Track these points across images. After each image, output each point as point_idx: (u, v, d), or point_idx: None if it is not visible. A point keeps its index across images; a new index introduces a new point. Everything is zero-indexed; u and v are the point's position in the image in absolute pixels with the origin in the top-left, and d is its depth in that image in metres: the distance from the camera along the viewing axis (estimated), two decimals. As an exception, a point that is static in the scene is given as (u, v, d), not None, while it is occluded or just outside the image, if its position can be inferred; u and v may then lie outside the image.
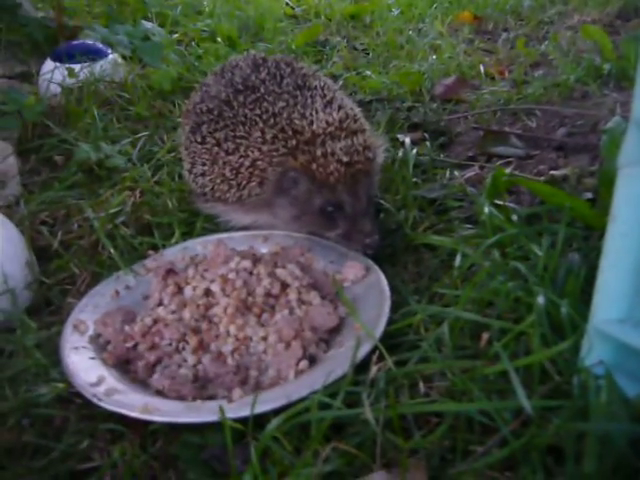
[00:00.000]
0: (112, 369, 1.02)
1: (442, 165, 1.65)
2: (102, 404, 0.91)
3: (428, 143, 1.74)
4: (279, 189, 1.24)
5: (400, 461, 0.78)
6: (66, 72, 2.06)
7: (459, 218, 1.36)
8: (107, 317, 1.11)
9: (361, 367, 0.91)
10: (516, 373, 0.78)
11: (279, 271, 1.15)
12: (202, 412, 0.89)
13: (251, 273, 1.15)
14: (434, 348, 0.92)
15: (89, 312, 1.13)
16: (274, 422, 0.81)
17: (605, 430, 0.71)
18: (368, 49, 2.74)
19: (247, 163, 1.26)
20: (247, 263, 1.16)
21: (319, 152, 1.19)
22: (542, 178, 1.48)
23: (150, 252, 1.30)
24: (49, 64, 2.12)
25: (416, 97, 2.12)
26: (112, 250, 1.28)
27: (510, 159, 1.64)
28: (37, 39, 2.40)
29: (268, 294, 1.11)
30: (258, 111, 1.27)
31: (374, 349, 0.94)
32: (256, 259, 1.19)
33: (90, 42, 2.26)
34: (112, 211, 1.44)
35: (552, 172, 1.50)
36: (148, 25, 2.63)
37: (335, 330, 1.07)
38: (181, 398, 0.95)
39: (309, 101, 1.27)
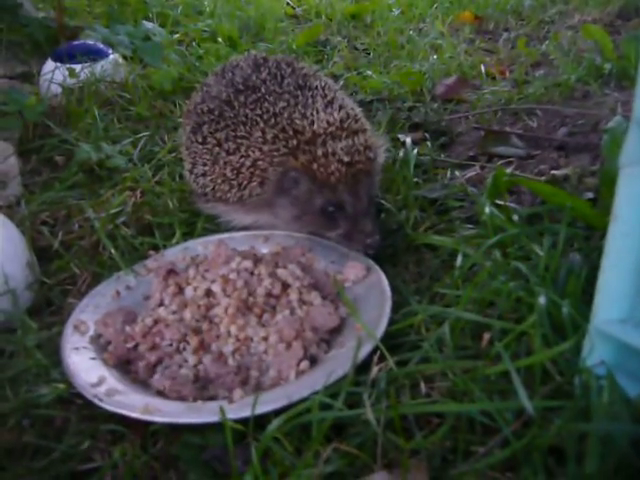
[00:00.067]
0: (113, 369, 1.02)
1: (443, 165, 1.65)
2: (103, 405, 0.91)
3: (429, 143, 1.74)
4: (280, 189, 1.24)
5: (401, 462, 0.78)
6: (67, 72, 2.06)
7: (460, 218, 1.35)
8: (108, 317, 1.10)
9: (362, 367, 0.91)
10: (517, 373, 0.78)
11: (280, 271, 1.15)
12: (203, 413, 0.89)
13: (252, 273, 1.15)
14: (435, 348, 0.92)
15: (90, 312, 1.13)
16: (275, 423, 0.81)
17: (607, 430, 0.71)
18: (369, 49, 2.73)
19: (248, 163, 1.26)
20: (248, 263, 1.16)
21: (320, 152, 1.19)
22: (543, 178, 1.48)
23: (151, 252, 1.30)
24: (50, 64, 2.12)
25: (417, 97, 2.12)
26: (113, 250, 1.28)
27: (511, 159, 1.64)
28: (38, 39, 2.40)
29: (269, 294, 1.11)
30: (259, 111, 1.27)
31: (375, 349, 0.94)
32: (257, 259, 1.19)
33: (91, 42, 2.26)
34: (113, 211, 1.44)
35: (553, 172, 1.50)
36: (149, 25, 2.63)
37: (336, 330, 1.07)
38: (182, 399, 0.95)
39: (310, 101, 1.27)
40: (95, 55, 2.17)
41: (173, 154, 1.73)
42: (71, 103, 1.98)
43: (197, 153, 1.36)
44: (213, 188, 1.33)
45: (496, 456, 0.74)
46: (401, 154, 1.59)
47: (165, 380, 0.97)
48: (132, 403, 0.91)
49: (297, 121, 1.22)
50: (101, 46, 2.24)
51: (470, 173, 1.58)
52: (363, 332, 0.97)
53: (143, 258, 1.28)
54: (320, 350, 1.03)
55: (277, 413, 0.84)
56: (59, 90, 2.04)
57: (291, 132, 1.22)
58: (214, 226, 1.40)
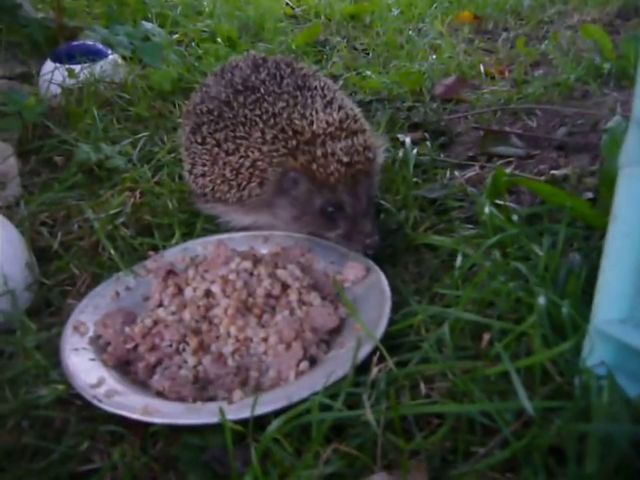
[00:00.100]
0: (112, 370, 1.02)
1: (442, 165, 1.65)
2: (102, 406, 0.91)
3: (428, 143, 1.74)
4: (279, 189, 1.24)
5: (401, 462, 0.78)
6: (66, 73, 2.06)
7: (460, 218, 1.35)
8: (107, 318, 1.10)
9: (362, 368, 0.91)
10: (517, 374, 0.78)
11: (279, 272, 1.15)
12: (202, 414, 0.89)
13: (251, 274, 1.15)
14: (435, 349, 0.92)
15: (89, 313, 1.13)
16: (275, 423, 0.81)
17: (607, 431, 0.71)
18: (368, 49, 2.73)
19: (247, 164, 1.25)
20: (247, 264, 1.16)
21: (319, 152, 1.19)
22: (543, 178, 1.48)
23: (150, 253, 1.29)
24: (49, 65, 2.12)
25: (416, 97, 2.12)
26: (112, 251, 1.28)
27: (510, 159, 1.64)
28: (37, 40, 2.40)
29: (268, 295, 1.11)
30: (258, 111, 1.26)
31: (375, 350, 0.94)
32: (256, 260, 1.19)
33: (90, 43, 2.26)
34: (112, 212, 1.44)
35: (553, 172, 1.50)
36: (148, 26, 2.63)
37: (336, 331, 1.07)
38: (181, 399, 0.95)
39: (309, 101, 1.27)
40: (94, 55, 2.17)
41: (172, 155, 1.72)
42: (70, 104, 1.98)
43: (196, 154, 1.36)
44: (212, 189, 1.32)
45: (496, 457, 0.74)
46: (400, 154, 1.59)
47: (165, 381, 0.97)
48: (131, 404, 0.91)
49: (296, 121, 1.22)
50: (100, 46, 2.24)
51: (469, 173, 1.58)
52: (363, 332, 0.97)
53: (142, 259, 1.28)
54: (320, 351, 1.03)
55: (277, 414, 0.84)
56: (58, 91, 2.04)
57: (290, 132, 1.22)
58: (213, 227, 1.40)
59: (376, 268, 1.17)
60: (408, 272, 1.23)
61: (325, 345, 1.05)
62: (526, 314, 0.92)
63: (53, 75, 2.05)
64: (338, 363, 0.93)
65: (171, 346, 1.05)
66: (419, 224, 1.35)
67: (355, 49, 2.79)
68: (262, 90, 1.30)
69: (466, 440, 0.79)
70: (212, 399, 0.96)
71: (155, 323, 1.09)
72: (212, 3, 3.20)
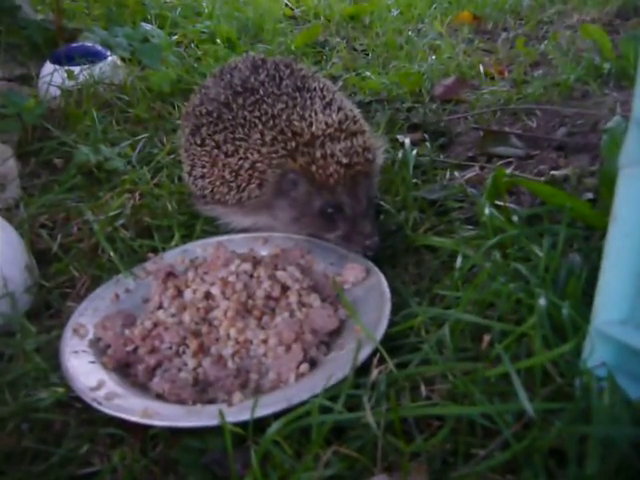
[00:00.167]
0: (112, 373, 1.02)
1: (442, 166, 1.65)
2: (102, 408, 0.91)
3: (428, 144, 1.73)
4: (279, 191, 1.24)
5: (401, 465, 0.78)
6: (65, 74, 2.05)
7: (459, 219, 1.35)
8: (107, 321, 1.10)
9: (362, 370, 0.90)
10: (518, 375, 0.78)
11: (279, 273, 1.14)
12: (202, 416, 0.89)
13: (251, 276, 1.15)
14: (435, 350, 0.92)
15: (89, 316, 1.13)
16: (274, 426, 0.81)
17: (607, 432, 0.70)
18: (367, 50, 2.73)
19: (246, 165, 1.25)
20: (247, 266, 1.15)
21: (318, 154, 1.19)
22: (542, 178, 1.47)
23: (150, 255, 1.29)
24: (48, 66, 2.12)
25: (416, 98, 2.12)
26: (112, 253, 1.28)
27: (510, 159, 1.64)
28: (36, 42, 2.40)
29: (268, 297, 1.11)
30: (257, 113, 1.26)
31: (375, 352, 0.93)
32: (256, 261, 1.18)
33: (89, 44, 2.26)
34: (112, 214, 1.44)
35: (552, 172, 1.50)
36: (147, 27, 2.63)
37: (336, 332, 1.07)
38: (181, 402, 0.95)
39: (308, 103, 1.27)
40: (94, 57, 2.16)
41: (172, 156, 1.72)
42: (70, 105, 1.98)
43: (196, 155, 1.35)
44: (212, 190, 1.32)
45: (497, 458, 0.74)
46: (400, 155, 1.59)
47: (164, 383, 0.97)
48: (131, 407, 0.91)
49: (295, 123, 1.22)
50: (99, 48, 2.24)
51: (469, 174, 1.58)
52: (363, 334, 0.97)
53: (142, 261, 1.28)
54: (320, 352, 1.02)
55: (277, 416, 0.84)
56: (58, 92, 2.03)
57: (290, 134, 1.22)
58: (213, 228, 1.39)
59: (376, 269, 1.17)
60: (408, 273, 1.23)
61: (325, 347, 1.04)
62: (526, 315, 0.92)
63: (52, 77, 2.05)
64: (338, 365, 0.93)
65: (171, 348, 1.05)
66: (419, 225, 1.35)
67: (354, 50, 2.79)
68: (261, 91, 1.30)
69: (466, 442, 0.79)
70: (212, 401, 0.96)
71: (155, 325, 1.09)
72: (211, 4, 3.20)
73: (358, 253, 1.22)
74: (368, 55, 2.67)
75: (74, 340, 1.07)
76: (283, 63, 1.40)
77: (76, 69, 2.09)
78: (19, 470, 0.87)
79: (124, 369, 1.05)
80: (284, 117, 1.24)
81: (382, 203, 1.42)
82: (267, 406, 0.86)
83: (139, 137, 1.84)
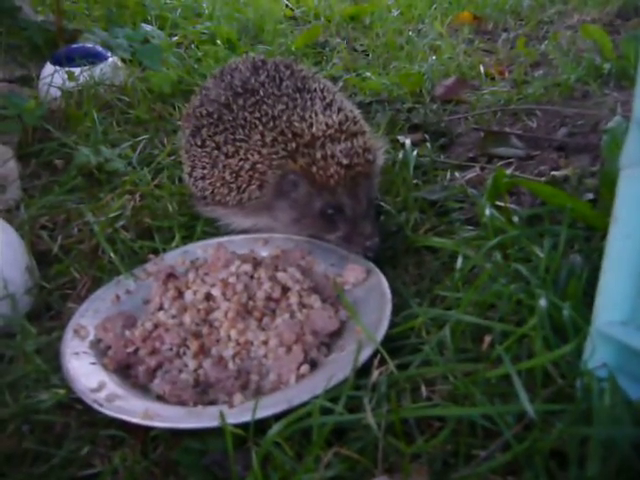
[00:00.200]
0: (113, 374, 1.02)
1: (443, 166, 1.64)
2: (103, 410, 0.91)
3: (428, 144, 1.73)
4: (279, 192, 1.24)
5: (402, 466, 0.78)
6: (66, 76, 2.06)
7: (460, 220, 1.35)
8: (108, 322, 1.10)
9: (362, 371, 0.90)
10: (518, 376, 0.78)
11: (280, 274, 1.14)
12: (203, 418, 0.89)
13: (252, 277, 1.15)
14: (436, 351, 0.92)
15: (90, 317, 1.13)
16: (275, 427, 0.81)
17: (608, 434, 0.70)
18: (368, 50, 2.73)
19: (247, 166, 1.25)
20: (247, 267, 1.15)
21: (319, 155, 1.19)
22: (543, 179, 1.47)
23: (150, 256, 1.29)
24: (49, 68, 2.12)
25: (416, 98, 2.12)
26: (112, 254, 1.28)
27: (511, 160, 1.64)
28: (37, 43, 2.40)
29: (269, 298, 1.11)
30: (257, 114, 1.26)
31: (375, 353, 0.93)
32: (256, 263, 1.18)
33: (90, 45, 2.26)
34: (112, 215, 1.44)
35: (553, 173, 1.49)
36: (148, 28, 2.63)
37: (336, 334, 1.06)
38: (182, 403, 0.95)
39: (309, 104, 1.27)
40: (94, 58, 2.16)
41: (172, 157, 1.72)
42: (70, 106, 1.98)
43: (196, 156, 1.35)
44: (212, 191, 1.32)
45: (497, 460, 0.74)
46: (400, 156, 1.59)
47: (165, 385, 0.97)
48: (132, 408, 0.91)
49: (296, 124, 1.22)
50: (100, 49, 2.24)
51: (470, 174, 1.58)
52: (363, 335, 0.97)
53: (143, 262, 1.28)
54: (320, 354, 1.02)
55: (277, 417, 0.84)
56: (58, 93, 2.03)
57: (290, 135, 1.21)
58: (213, 229, 1.39)
59: (376, 270, 1.17)
60: (408, 274, 1.23)
61: (326, 348, 1.04)
62: (527, 316, 0.92)
63: (53, 78, 2.05)
64: (339, 366, 0.93)
65: (171, 350, 1.05)
66: (419, 226, 1.35)
67: (355, 50, 2.79)
68: (261, 92, 1.30)
69: (467, 443, 0.79)
70: (213, 403, 0.96)
71: (155, 326, 1.09)
72: (212, 5, 3.20)
73: (359, 254, 1.22)
74: (368, 56, 2.67)
75: (75, 341, 1.07)
76: (283, 64, 1.40)
77: (76, 70, 2.09)
78: (20, 472, 0.87)
79: (125, 370, 1.05)
80: (284, 118, 1.24)
81: (382, 204, 1.42)
82: (268, 407, 0.86)
83: (140, 138, 1.84)
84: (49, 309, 1.23)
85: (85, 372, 1.00)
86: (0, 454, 0.89)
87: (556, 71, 2.25)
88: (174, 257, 1.27)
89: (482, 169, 1.61)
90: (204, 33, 2.83)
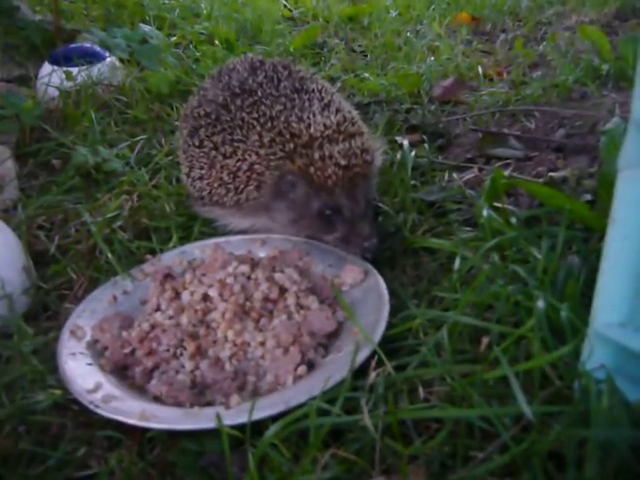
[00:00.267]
0: (109, 375, 1.01)
1: (441, 167, 1.64)
2: (99, 411, 0.91)
3: (426, 145, 1.73)
4: (277, 193, 1.24)
5: (400, 467, 0.78)
6: (64, 75, 2.05)
7: (458, 221, 1.35)
8: (104, 323, 1.10)
9: (360, 372, 0.90)
10: (516, 378, 0.77)
11: (277, 275, 1.14)
12: (200, 419, 0.89)
13: (249, 278, 1.14)
14: (433, 353, 0.92)
15: (86, 318, 1.12)
16: (272, 429, 0.80)
17: (606, 436, 0.70)
18: (366, 51, 2.73)
19: (245, 167, 1.25)
20: (245, 267, 1.15)
21: (317, 155, 1.19)
22: (541, 180, 1.47)
23: (148, 256, 1.29)
24: (47, 67, 2.11)
25: (414, 99, 2.12)
26: (109, 255, 1.28)
27: (509, 161, 1.64)
28: (35, 42, 2.40)
29: (266, 299, 1.10)
30: (255, 115, 1.26)
31: (373, 354, 0.93)
32: (254, 263, 1.18)
33: (88, 45, 2.25)
34: (109, 215, 1.44)
35: (551, 174, 1.49)
36: (146, 28, 2.63)
37: (333, 335, 1.06)
38: (179, 404, 0.95)
39: (306, 104, 1.26)
40: (92, 58, 2.16)
41: (170, 157, 1.72)
42: (68, 106, 1.97)
43: (194, 157, 1.35)
44: (210, 192, 1.32)
45: (495, 461, 0.74)
46: (398, 156, 1.58)
47: (162, 386, 0.97)
48: (129, 409, 0.91)
49: (294, 124, 1.22)
50: (98, 49, 2.23)
51: (468, 175, 1.58)
52: (361, 336, 0.96)
53: (140, 262, 1.28)
54: (317, 355, 1.02)
55: (274, 419, 0.83)
56: (56, 93, 2.03)
57: (288, 136, 1.21)
58: (211, 230, 1.39)
59: (374, 271, 1.16)
60: (406, 275, 1.23)
61: (323, 349, 1.04)
62: (525, 317, 0.92)
63: (51, 78, 2.04)
64: (336, 367, 0.93)
65: (168, 351, 1.05)
66: (417, 227, 1.35)
67: (353, 51, 2.79)
68: (259, 93, 1.30)
69: (465, 445, 0.79)
70: (209, 404, 0.96)
71: (152, 327, 1.09)
72: (210, 5, 3.20)
73: (356, 255, 1.22)
74: (367, 56, 2.67)
75: (71, 342, 1.07)
76: (281, 64, 1.40)
77: (74, 70, 2.08)
78: (16, 473, 0.87)
79: (121, 371, 1.04)
80: (282, 119, 1.23)
81: (380, 205, 1.42)
82: (265, 409, 0.86)
83: (137, 138, 1.83)
84: (46, 309, 1.22)
85: (82, 373, 1.00)
86: (-4, 455, 0.89)
87: (554, 72, 2.25)
88: (171, 258, 1.26)
89: (480, 170, 1.61)
90: (202, 33, 2.83)
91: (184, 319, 1.08)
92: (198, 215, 1.42)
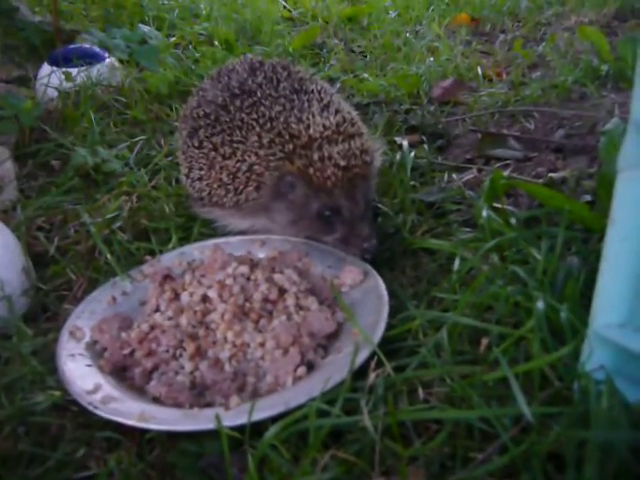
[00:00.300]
0: (109, 376, 1.01)
1: (440, 168, 1.64)
2: (98, 412, 0.91)
3: (426, 146, 1.73)
4: (276, 193, 1.24)
5: (399, 469, 0.77)
6: (63, 76, 2.05)
7: (457, 221, 1.35)
8: (104, 323, 1.10)
9: (359, 373, 0.90)
10: (516, 379, 0.77)
11: (277, 276, 1.14)
12: (199, 420, 0.89)
13: (248, 279, 1.14)
14: (433, 353, 0.92)
15: (86, 318, 1.12)
16: (272, 430, 0.80)
17: (606, 437, 0.70)
18: (365, 52, 2.73)
19: (244, 167, 1.25)
20: (244, 268, 1.15)
21: (316, 156, 1.19)
22: (540, 180, 1.47)
23: (147, 257, 1.29)
24: (46, 68, 2.11)
25: (414, 100, 2.12)
26: (109, 256, 1.27)
27: (508, 161, 1.64)
28: (34, 43, 2.40)
29: (266, 300, 1.10)
30: (255, 115, 1.26)
31: (372, 355, 0.93)
32: (253, 264, 1.18)
33: (87, 46, 2.26)
34: (109, 216, 1.43)
35: (550, 174, 1.49)
36: (145, 29, 2.63)
37: (333, 336, 1.06)
38: (178, 405, 0.94)
39: (306, 105, 1.26)
40: (91, 59, 2.16)
41: (169, 158, 1.72)
42: (67, 107, 1.97)
43: (193, 157, 1.35)
44: (209, 193, 1.32)
45: (495, 463, 0.74)
46: (398, 157, 1.58)
47: (161, 387, 0.97)
48: (128, 410, 0.91)
49: (293, 125, 1.22)
50: (97, 50, 2.24)
51: (467, 176, 1.58)
52: (360, 337, 0.96)
53: (139, 263, 1.27)
54: (317, 356, 1.02)
55: (274, 420, 0.83)
56: (55, 94, 2.03)
57: (287, 136, 1.21)
58: (210, 231, 1.39)
59: (374, 272, 1.16)
60: (406, 276, 1.23)
61: (322, 350, 1.04)
62: (525, 318, 0.92)
63: (50, 78, 2.05)
64: (336, 368, 0.92)
65: (168, 352, 1.05)
66: (417, 228, 1.35)
67: (352, 52, 2.79)
68: (259, 94, 1.30)
69: (464, 446, 0.79)
70: (209, 405, 0.96)
71: (152, 328, 1.09)
72: (209, 6, 3.20)
73: (356, 256, 1.22)
74: (366, 57, 2.67)
75: (71, 343, 1.06)
76: (280, 65, 1.40)
77: (74, 71, 2.08)
78: (15, 474, 0.87)
79: (121, 372, 1.04)
80: (281, 119, 1.23)
81: (380, 205, 1.42)
82: (264, 410, 0.86)
83: (137, 139, 1.83)
84: (45, 310, 1.22)
85: (81, 374, 1.00)
86: (-5, 456, 0.89)
87: (553, 73, 2.25)
88: (171, 258, 1.26)
89: (479, 171, 1.61)
90: (202, 34, 2.83)
91: (183, 320, 1.08)
92: (197, 216, 1.42)
